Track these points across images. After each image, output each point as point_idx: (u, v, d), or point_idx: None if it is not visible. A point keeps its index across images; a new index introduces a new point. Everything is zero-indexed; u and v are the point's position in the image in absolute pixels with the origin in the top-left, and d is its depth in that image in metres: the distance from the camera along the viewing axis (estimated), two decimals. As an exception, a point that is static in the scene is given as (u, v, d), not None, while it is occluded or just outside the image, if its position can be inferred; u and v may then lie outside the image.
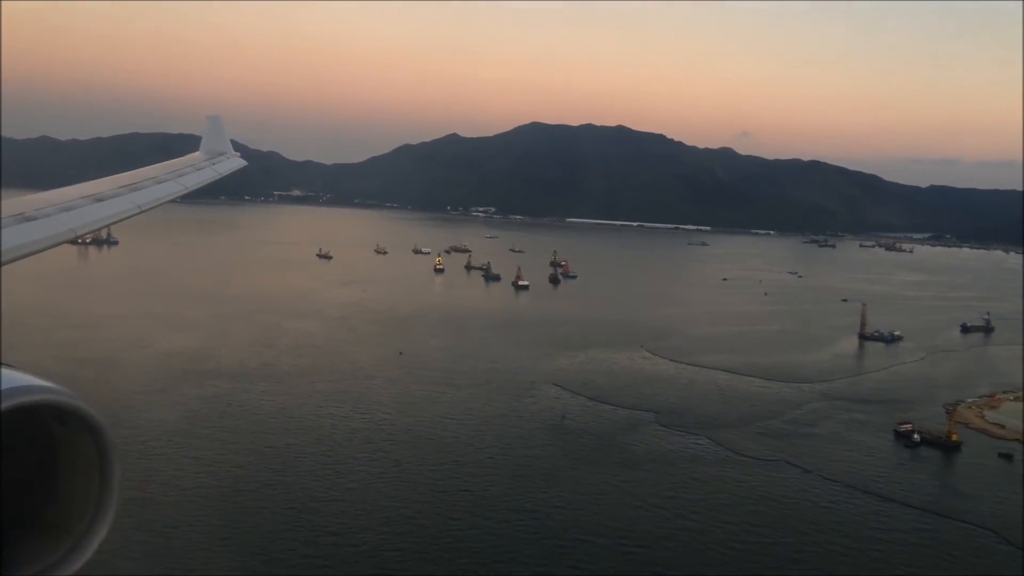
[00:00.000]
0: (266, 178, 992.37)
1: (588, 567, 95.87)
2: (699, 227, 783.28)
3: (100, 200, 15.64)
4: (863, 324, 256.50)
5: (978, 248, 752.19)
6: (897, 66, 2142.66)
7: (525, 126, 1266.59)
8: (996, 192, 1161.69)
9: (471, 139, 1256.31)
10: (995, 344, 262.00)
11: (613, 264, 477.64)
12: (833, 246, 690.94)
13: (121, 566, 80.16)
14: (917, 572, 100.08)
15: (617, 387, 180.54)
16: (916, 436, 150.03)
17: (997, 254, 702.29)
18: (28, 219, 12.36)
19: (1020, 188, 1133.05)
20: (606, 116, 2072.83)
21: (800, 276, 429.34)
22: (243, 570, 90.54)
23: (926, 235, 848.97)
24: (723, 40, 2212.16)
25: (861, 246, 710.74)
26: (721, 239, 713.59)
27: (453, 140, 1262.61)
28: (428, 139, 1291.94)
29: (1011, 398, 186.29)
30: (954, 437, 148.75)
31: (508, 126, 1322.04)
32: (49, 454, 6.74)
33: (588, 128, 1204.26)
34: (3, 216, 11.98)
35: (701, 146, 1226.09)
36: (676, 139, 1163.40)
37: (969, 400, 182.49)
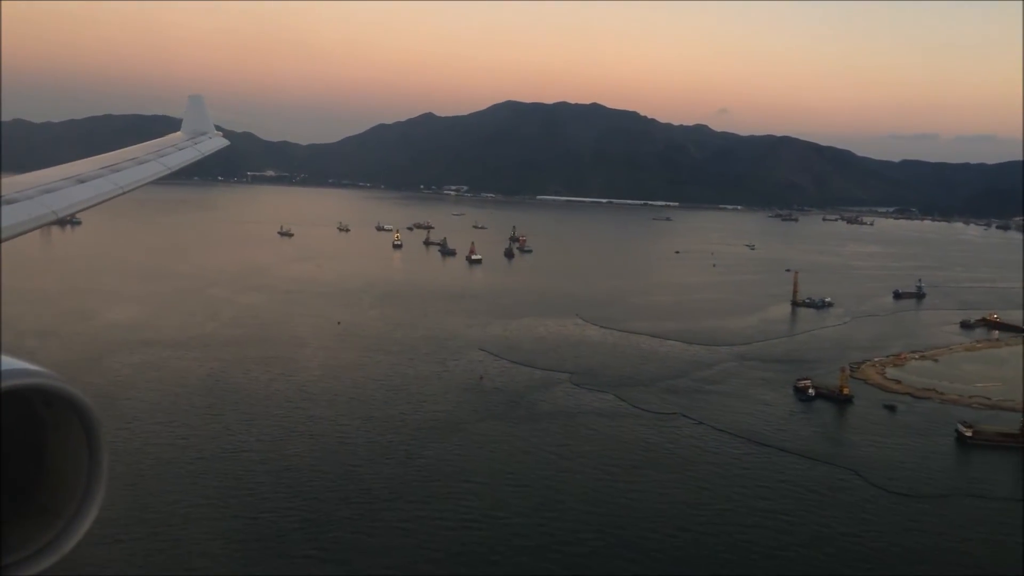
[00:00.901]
0: (240, 159, 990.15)
1: (466, 503, 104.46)
2: (668, 203, 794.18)
3: (82, 181, 15.58)
4: (795, 291, 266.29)
5: (940, 220, 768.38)
6: (879, 43, 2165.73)
7: (500, 105, 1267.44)
8: (967, 166, 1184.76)
9: (446, 118, 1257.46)
10: (922, 309, 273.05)
11: (573, 239, 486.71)
12: (796, 220, 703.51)
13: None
14: (775, 506, 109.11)
15: (542, 351, 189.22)
16: (811, 391, 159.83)
17: (957, 226, 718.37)
18: (9, 202, 12.25)
19: (991, 162, 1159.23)
20: (581, 94, 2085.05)
21: (753, 248, 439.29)
22: (147, 511, 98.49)
23: (891, 209, 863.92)
24: (702, 17, 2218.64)
25: (824, 220, 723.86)
26: (687, 214, 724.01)
27: (428, 119, 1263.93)
28: (403, 119, 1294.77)
29: (916, 357, 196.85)
30: (845, 391, 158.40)
31: (483, 105, 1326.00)
32: (37, 437, 6.67)
33: (563, 106, 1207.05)
34: None
35: (676, 123, 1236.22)
36: (650, 116, 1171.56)
37: (876, 359, 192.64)
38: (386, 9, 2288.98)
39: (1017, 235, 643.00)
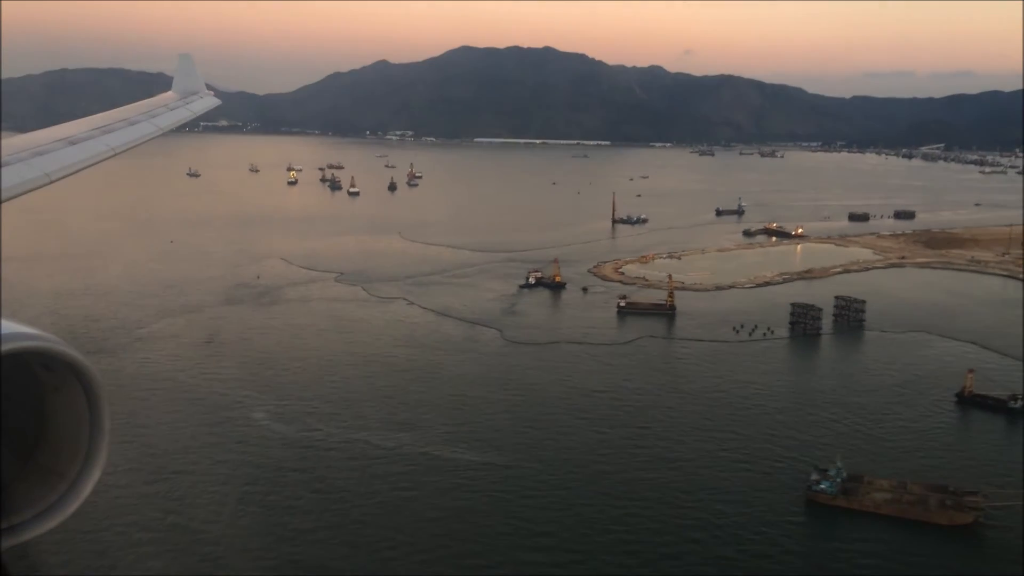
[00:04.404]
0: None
1: (155, 354, 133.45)
2: (599, 142, 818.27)
3: (73, 143, 15.62)
4: (613, 210, 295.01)
5: (855, 152, 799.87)
6: None
7: (455, 51, 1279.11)
8: (914, 100, 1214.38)
9: (400, 65, 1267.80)
10: (727, 223, 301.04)
11: (473, 175, 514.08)
12: (712, 154, 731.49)
13: None
14: (420, 352, 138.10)
15: (334, 259, 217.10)
16: (532, 279, 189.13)
17: (868, 156, 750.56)
18: (2, 165, 12.31)
19: (939, 96, 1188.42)
20: (535, 38, 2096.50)
21: (632, 179, 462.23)
22: None
23: (816, 143, 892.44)
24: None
25: (740, 154, 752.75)
26: (613, 152, 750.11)
27: (382, 67, 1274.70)
28: (358, 66, 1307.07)
29: (664, 256, 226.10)
30: (557, 279, 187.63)
31: (438, 51, 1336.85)
32: (38, 400, 6.78)
33: (514, 51, 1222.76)
34: None
35: (630, 65, 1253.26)
36: (598, 58, 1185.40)
37: (626, 259, 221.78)
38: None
39: (920, 163, 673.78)
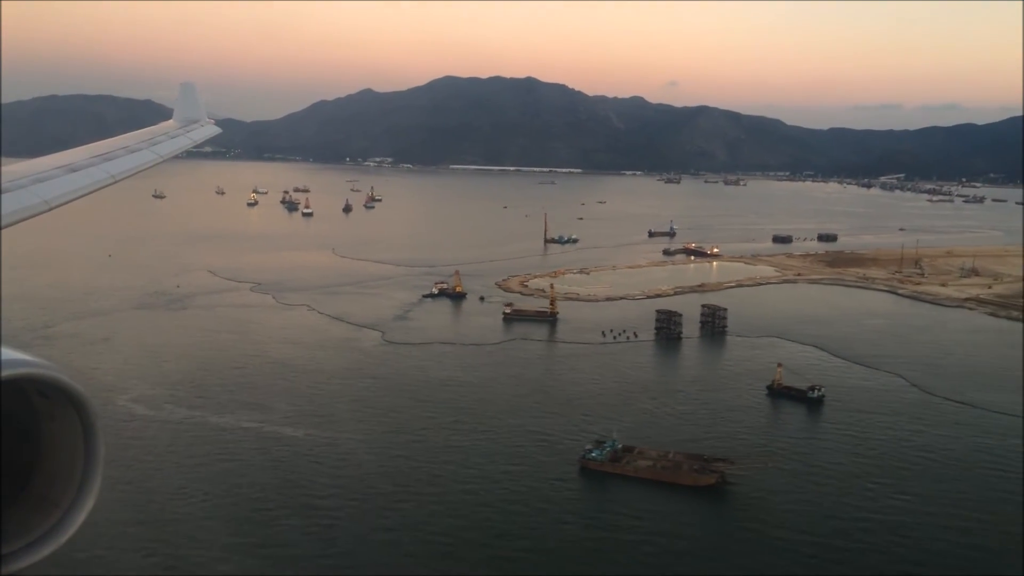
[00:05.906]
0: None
1: (77, 346, 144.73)
2: (571, 170, 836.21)
3: (74, 170, 15.70)
4: (545, 230, 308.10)
5: (818, 181, 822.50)
6: (845, 15, 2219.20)
7: (439, 80, 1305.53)
8: (890, 132, 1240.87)
9: (384, 94, 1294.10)
10: (654, 243, 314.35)
11: (433, 199, 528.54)
12: (679, 182, 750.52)
13: None
14: (302, 350, 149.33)
15: (258, 271, 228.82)
16: (436, 290, 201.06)
17: (831, 186, 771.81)
18: (3, 191, 12.35)
19: (913, 128, 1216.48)
20: (518, 68, 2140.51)
21: (585, 204, 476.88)
22: None
23: (785, 173, 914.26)
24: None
25: (706, 182, 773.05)
26: (580, 179, 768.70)
27: (367, 95, 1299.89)
28: (343, 95, 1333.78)
29: (576, 272, 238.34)
30: (459, 289, 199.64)
31: (422, 80, 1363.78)
32: (33, 427, 6.77)
33: (496, 80, 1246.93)
34: None
35: (611, 96, 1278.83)
36: (577, 89, 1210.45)
37: (538, 273, 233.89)
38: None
39: (877, 191, 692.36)
